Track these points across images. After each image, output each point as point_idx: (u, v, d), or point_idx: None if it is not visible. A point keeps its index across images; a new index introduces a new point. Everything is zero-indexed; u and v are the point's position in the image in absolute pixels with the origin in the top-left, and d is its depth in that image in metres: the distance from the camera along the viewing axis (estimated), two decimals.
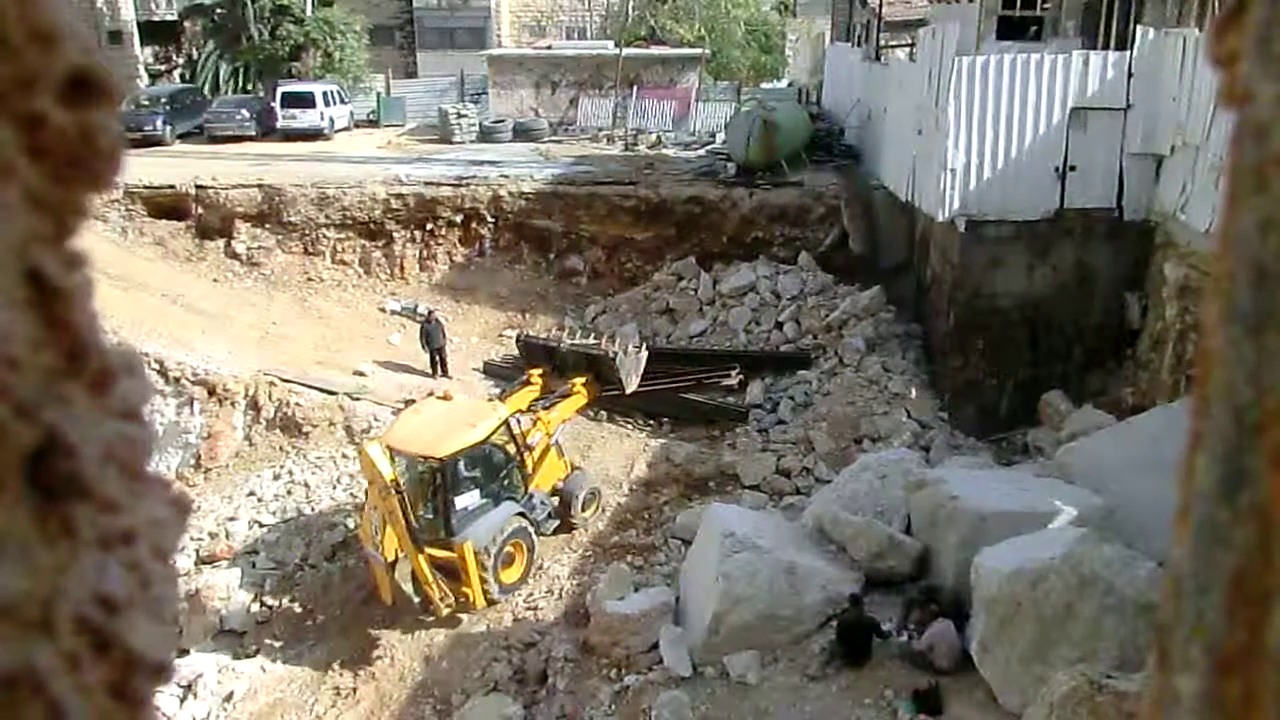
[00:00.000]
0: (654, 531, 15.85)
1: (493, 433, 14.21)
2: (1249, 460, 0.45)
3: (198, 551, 15.86)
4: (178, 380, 18.28)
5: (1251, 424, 0.45)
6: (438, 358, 20.41)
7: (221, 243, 23.71)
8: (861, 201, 22.36)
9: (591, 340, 17.68)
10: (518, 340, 18.97)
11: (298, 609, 15.00)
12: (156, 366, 17.98)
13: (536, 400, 16.05)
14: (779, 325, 20.74)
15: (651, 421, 19.09)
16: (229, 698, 13.63)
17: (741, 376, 18.64)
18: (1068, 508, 11.64)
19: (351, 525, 15.70)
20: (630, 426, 18.82)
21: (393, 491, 12.89)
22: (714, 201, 23.13)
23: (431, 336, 20.26)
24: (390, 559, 13.56)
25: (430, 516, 13.94)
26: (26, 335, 0.46)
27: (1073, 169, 17.34)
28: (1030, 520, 11.41)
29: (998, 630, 10.28)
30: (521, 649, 13.40)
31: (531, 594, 14.66)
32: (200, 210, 23.77)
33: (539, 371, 16.75)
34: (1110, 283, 17.47)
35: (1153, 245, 16.86)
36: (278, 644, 14.56)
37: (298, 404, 18.48)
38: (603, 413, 18.53)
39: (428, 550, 13.47)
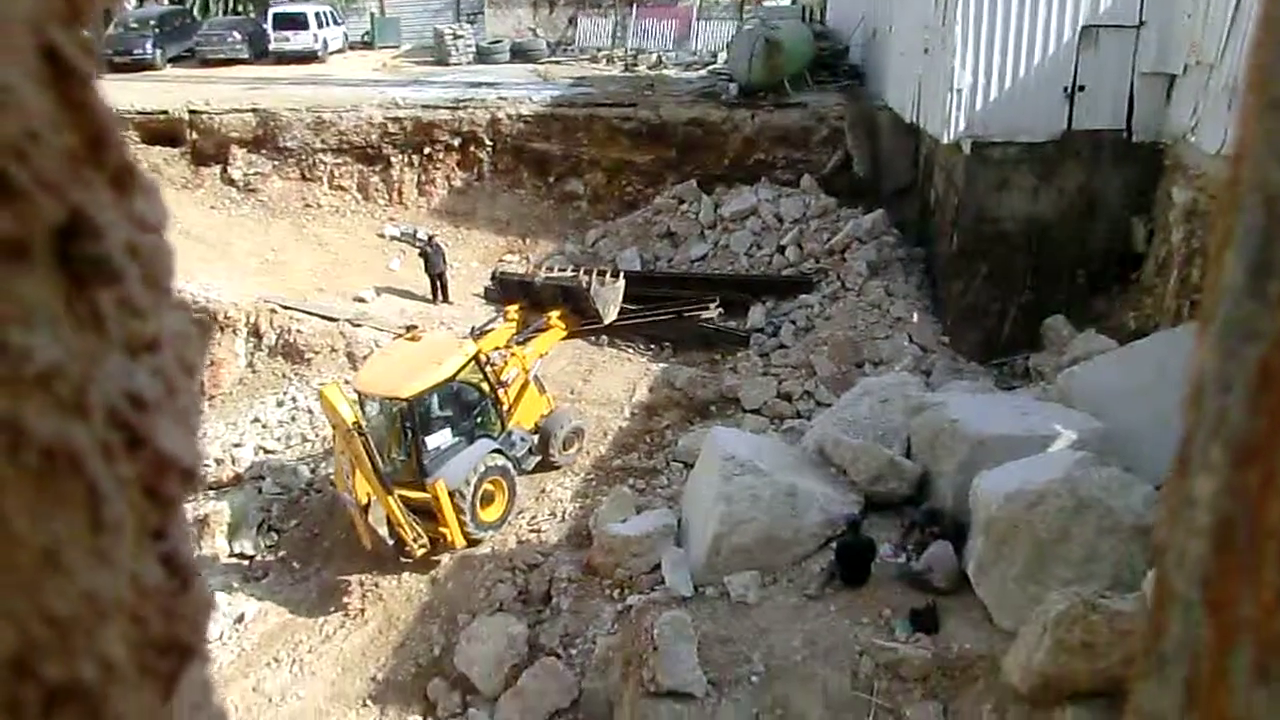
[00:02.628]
0: (656, 455, 15.98)
1: (460, 370, 13.98)
2: (1279, 250, 0.45)
3: (205, 477, 16.02)
4: None
5: None
6: (438, 283, 20.36)
7: (217, 169, 23.46)
8: (865, 123, 22.03)
9: (568, 272, 17.41)
10: (493, 276, 18.71)
11: (305, 533, 15.22)
12: None
13: (514, 336, 15.82)
14: (781, 249, 20.61)
15: (653, 346, 19.10)
16: (240, 619, 13.91)
17: (721, 309, 18.48)
18: (1067, 432, 11.70)
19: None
20: (631, 351, 18.85)
21: (355, 434, 12.74)
22: (715, 123, 22.80)
23: (431, 262, 20.17)
24: (363, 502, 13.48)
25: (403, 458, 13.80)
26: (46, 112, 0.46)
27: (1082, 89, 17.02)
28: (1030, 444, 11.48)
29: (995, 551, 10.42)
30: (525, 570, 13.62)
31: (535, 517, 14.83)
32: (194, 136, 23.46)
33: (516, 307, 16.48)
34: (1116, 206, 17.30)
35: (1161, 168, 16.65)
36: (286, 567, 14.81)
37: (299, 331, 18.50)
38: (604, 337, 18.51)
39: (401, 492, 13.35)
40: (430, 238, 20.92)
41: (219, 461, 16.41)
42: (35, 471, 0.44)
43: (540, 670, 11.86)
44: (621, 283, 16.58)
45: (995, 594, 10.44)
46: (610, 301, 16.18)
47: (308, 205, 23.28)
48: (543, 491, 15.35)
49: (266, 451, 16.70)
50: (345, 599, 13.93)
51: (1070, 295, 17.66)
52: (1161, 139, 16.75)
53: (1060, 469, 10.45)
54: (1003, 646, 9.84)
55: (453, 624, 13.08)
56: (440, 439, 14.00)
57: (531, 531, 14.53)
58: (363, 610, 13.71)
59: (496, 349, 15.33)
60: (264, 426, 17.22)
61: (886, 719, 9.89)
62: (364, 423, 13.05)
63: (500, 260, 22.03)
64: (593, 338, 18.22)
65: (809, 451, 13.24)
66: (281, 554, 15.01)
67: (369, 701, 12.62)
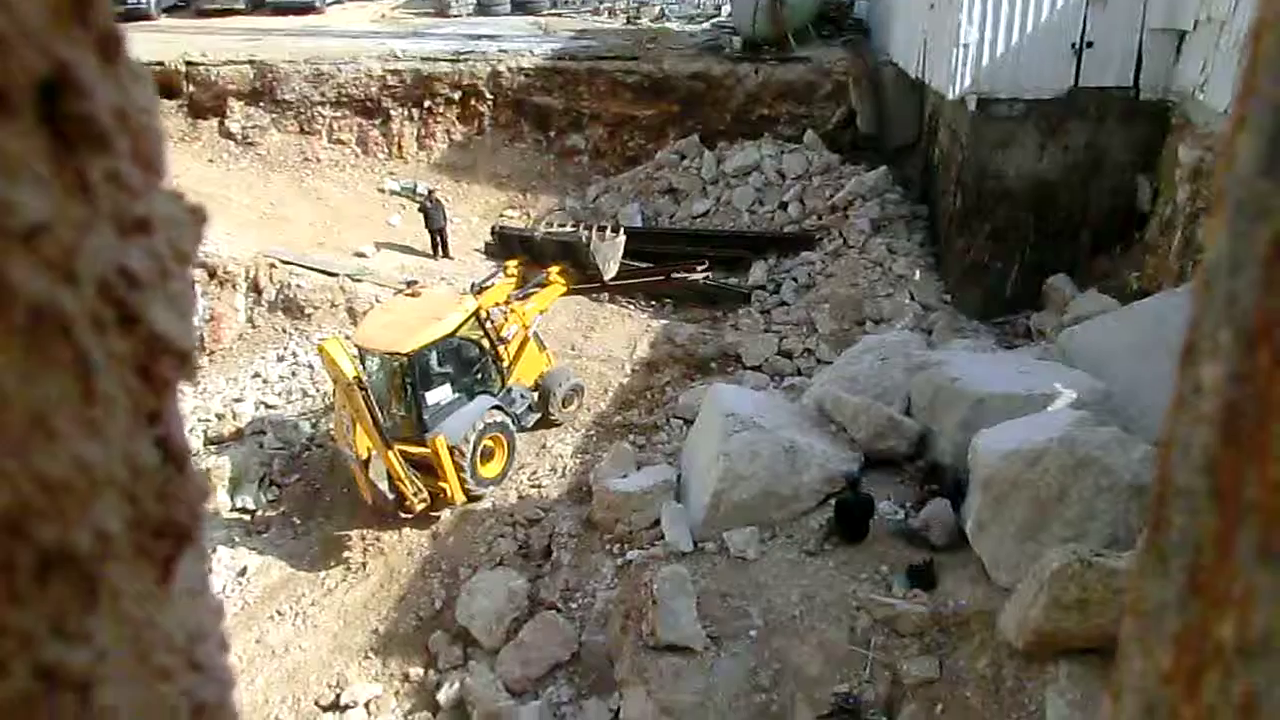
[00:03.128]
0: (656, 411, 16.02)
1: (460, 326, 13.94)
2: None
3: (205, 432, 16.08)
4: None
5: None
6: (438, 239, 20.25)
7: (215, 122, 23.24)
8: (870, 78, 21.77)
9: (568, 228, 17.25)
10: (493, 231, 18.58)
11: (306, 488, 15.29)
12: None
13: (514, 292, 15.72)
14: (783, 205, 20.50)
15: (654, 302, 19.06)
16: (242, 573, 14.02)
17: (708, 271, 18.40)
18: (1067, 391, 11.71)
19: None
20: (632, 307, 18.81)
21: (356, 389, 12.71)
22: (718, 78, 22.54)
23: (432, 217, 20.04)
24: (363, 457, 13.47)
25: (403, 413, 13.79)
26: None
27: (1089, 45, 16.78)
28: (1029, 403, 11.50)
29: (993, 509, 10.48)
30: (526, 525, 13.71)
31: (535, 472, 14.90)
32: (191, 88, 23.20)
33: (515, 262, 16.35)
34: (1122, 165, 17.14)
35: (1168, 126, 16.47)
36: (288, 521, 14.90)
37: (299, 286, 18.44)
38: (604, 294, 18.47)
39: (401, 447, 13.34)
40: (430, 192, 20.77)
41: (220, 416, 16.44)
42: (23, 330, 0.43)
43: (540, 623, 11.99)
44: (622, 238, 16.45)
45: (992, 551, 10.52)
46: (610, 257, 16.06)
47: (306, 159, 23.09)
48: (543, 447, 15.41)
49: (267, 406, 16.73)
50: (347, 553, 14.03)
51: (1074, 254, 17.57)
52: (1170, 97, 16.55)
53: (1059, 428, 10.47)
54: (999, 603, 9.94)
55: (454, 578, 13.19)
56: (440, 395, 14.00)
57: (532, 487, 14.61)
58: (364, 564, 13.83)
59: (496, 305, 15.27)
60: (264, 382, 17.23)
61: (883, 674, 10.02)
62: (364, 377, 13.05)
63: (501, 215, 21.92)
64: (594, 294, 18.17)
65: (809, 409, 13.27)
66: (283, 509, 15.08)
67: (371, 654, 12.77)
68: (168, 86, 23.08)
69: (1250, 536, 0.44)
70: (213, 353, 18.07)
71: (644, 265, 18.37)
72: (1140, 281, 16.14)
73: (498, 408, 14.47)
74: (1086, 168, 17.29)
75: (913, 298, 17.53)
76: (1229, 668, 0.45)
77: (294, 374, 17.30)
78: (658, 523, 12.42)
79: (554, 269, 15.98)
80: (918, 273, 18.12)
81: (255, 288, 18.56)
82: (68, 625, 0.45)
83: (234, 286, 18.51)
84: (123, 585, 0.48)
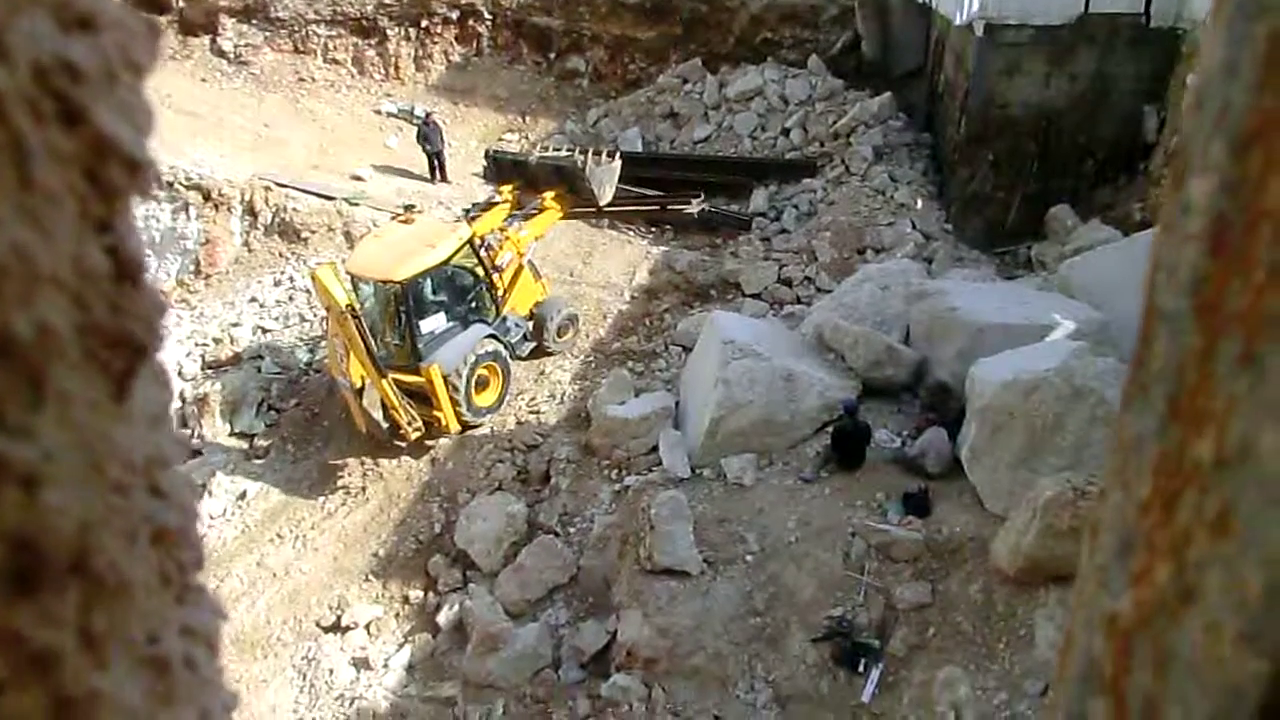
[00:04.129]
0: (655, 338, 16.00)
1: (454, 253, 13.74)
2: None
3: (203, 357, 16.07)
4: (171, 185, 17.98)
5: None
6: (436, 162, 20.00)
7: (207, 40, 22.76)
8: (876, 2, 21.29)
9: (564, 152, 16.95)
10: (487, 155, 18.25)
11: (304, 413, 15.33)
12: None
13: (509, 218, 15.47)
14: (785, 131, 20.23)
15: (653, 229, 18.91)
16: (242, 496, 14.13)
17: (703, 205, 18.16)
18: (1066, 321, 11.70)
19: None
20: (632, 233, 18.68)
21: (349, 316, 12.59)
22: None
23: (429, 140, 19.77)
24: (357, 385, 13.40)
25: (397, 342, 13.70)
26: None
27: None
28: (1028, 333, 11.49)
29: (989, 438, 10.55)
30: (525, 451, 13.79)
31: (534, 398, 14.93)
32: (181, 4, 22.67)
33: (510, 187, 16.08)
34: (1129, 94, 16.85)
35: (1178, 55, 16.16)
36: (287, 446, 14.97)
37: (295, 209, 18.26)
38: (604, 219, 18.31)
39: (396, 376, 13.28)
40: (428, 115, 20.44)
41: (217, 341, 16.42)
42: None
43: (539, 548, 12.14)
44: (618, 163, 16.19)
45: (987, 479, 10.62)
46: (606, 182, 15.81)
47: (301, 79, 22.68)
48: (542, 373, 15.42)
49: (264, 331, 16.69)
50: (346, 478, 14.13)
51: (1077, 185, 17.38)
52: (1180, 24, 16.20)
53: (1057, 358, 10.48)
54: (992, 530, 10.06)
55: (453, 502, 13.32)
56: (434, 323, 13.90)
57: (531, 413, 14.65)
58: (363, 489, 13.93)
59: (491, 232, 15.10)
60: (261, 306, 17.17)
61: (876, 598, 10.19)
62: (357, 305, 12.96)
63: (500, 139, 21.62)
64: (593, 220, 18.00)
65: (808, 337, 13.26)
66: (281, 434, 15.14)
67: (371, 576, 12.95)
68: (156, 2, 22.50)
69: (1232, 347, 0.43)
70: (208, 277, 17.98)
71: (642, 191, 18.17)
72: (1143, 213, 16.00)
73: (492, 336, 14.39)
74: (1093, 97, 17.00)
75: (914, 227, 17.39)
76: (1204, 485, 0.44)
77: (291, 299, 17.23)
78: (655, 449, 12.50)
79: (548, 194, 15.73)
80: (919, 201, 17.95)
81: (250, 211, 18.38)
82: (9, 417, 0.44)
83: (229, 210, 18.33)
84: (72, 390, 0.47)
